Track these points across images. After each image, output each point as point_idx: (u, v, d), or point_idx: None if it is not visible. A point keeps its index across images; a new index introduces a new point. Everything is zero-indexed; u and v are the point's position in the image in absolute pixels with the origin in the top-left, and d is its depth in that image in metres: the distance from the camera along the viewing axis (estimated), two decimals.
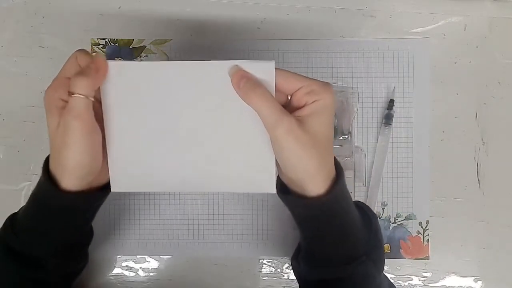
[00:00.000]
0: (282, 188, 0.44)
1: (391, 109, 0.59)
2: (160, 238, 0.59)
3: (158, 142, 0.43)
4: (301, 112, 0.39)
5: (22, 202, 0.59)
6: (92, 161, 0.41)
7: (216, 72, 0.41)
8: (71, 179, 0.41)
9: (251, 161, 0.43)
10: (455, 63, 0.60)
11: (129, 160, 0.43)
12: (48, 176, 0.42)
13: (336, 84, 0.60)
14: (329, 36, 0.60)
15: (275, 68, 0.40)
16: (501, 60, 0.60)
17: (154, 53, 0.60)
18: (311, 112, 0.39)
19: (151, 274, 0.60)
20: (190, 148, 0.43)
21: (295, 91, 0.40)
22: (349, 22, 0.60)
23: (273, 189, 0.43)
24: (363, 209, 0.48)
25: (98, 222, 0.59)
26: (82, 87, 0.38)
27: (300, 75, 0.40)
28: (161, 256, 0.60)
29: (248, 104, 0.39)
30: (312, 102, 0.39)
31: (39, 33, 0.60)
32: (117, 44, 0.60)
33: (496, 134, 0.59)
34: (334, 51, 0.60)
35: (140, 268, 0.60)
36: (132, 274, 0.60)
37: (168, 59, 0.60)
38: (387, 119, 0.59)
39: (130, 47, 0.60)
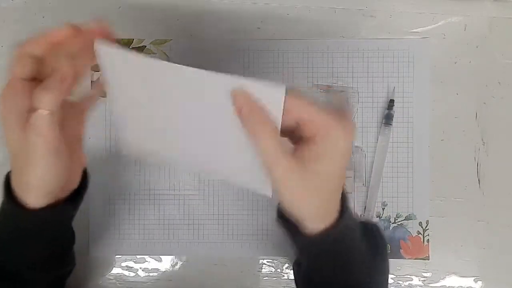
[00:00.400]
0: (281, 213, 0.40)
1: (391, 109, 0.59)
2: (160, 238, 0.59)
3: (163, 124, 0.41)
4: (309, 150, 0.34)
5: None
6: (58, 176, 0.38)
7: (219, 86, 0.36)
8: (35, 196, 0.38)
9: (251, 161, 0.40)
10: (455, 63, 0.60)
11: (136, 128, 0.43)
12: (10, 195, 0.39)
13: (336, 84, 0.60)
14: (329, 36, 0.60)
15: (288, 90, 0.34)
16: (501, 60, 0.60)
17: (154, 53, 0.60)
18: (321, 152, 0.34)
19: (151, 274, 0.60)
20: (193, 136, 0.41)
21: (307, 121, 0.34)
22: (349, 22, 0.60)
23: (269, 193, 0.40)
24: (371, 231, 0.45)
25: (97, 222, 0.59)
26: (46, 103, 0.34)
27: (316, 104, 0.34)
28: (161, 256, 0.60)
29: (248, 133, 0.35)
30: (323, 141, 0.34)
31: None
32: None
33: (496, 134, 0.59)
34: (334, 51, 0.60)
35: (140, 268, 0.60)
36: (132, 274, 0.59)
37: (168, 59, 0.60)
38: (387, 119, 0.59)
39: (130, 47, 0.60)
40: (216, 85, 0.37)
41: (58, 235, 0.44)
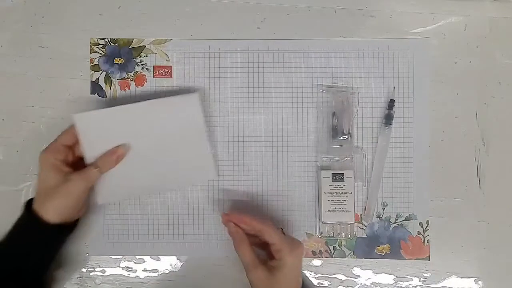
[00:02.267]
0: None
1: (391, 109, 0.59)
2: (160, 239, 0.59)
3: (127, 165, 0.55)
4: (272, 263, 0.52)
5: (22, 202, 0.60)
6: (82, 208, 0.56)
7: (158, 110, 0.55)
8: (57, 218, 0.52)
9: (193, 162, 0.57)
10: (455, 63, 0.60)
11: (109, 179, 0.55)
12: (31, 212, 0.52)
13: (336, 84, 0.60)
14: (329, 36, 0.60)
15: (262, 220, 0.52)
16: (501, 60, 0.60)
17: (154, 53, 0.60)
18: (278, 266, 0.51)
19: (151, 274, 0.60)
20: (148, 165, 0.56)
21: (273, 244, 0.51)
22: (349, 22, 0.60)
23: (214, 175, 0.59)
24: None
25: (98, 223, 0.59)
26: (105, 169, 0.54)
27: (277, 232, 0.52)
28: (160, 256, 0.59)
29: (235, 250, 0.53)
30: (281, 260, 0.51)
31: (39, 33, 0.60)
32: (117, 44, 0.60)
33: (496, 134, 0.59)
34: (334, 51, 0.60)
35: (140, 268, 0.59)
36: (132, 274, 0.59)
37: (168, 59, 0.60)
38: (387, 119, 0.59)
39: (130, 47, 0.60)
40: (155, 110, 0.55)
41: (57, 249, 0.56)
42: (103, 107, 0.60)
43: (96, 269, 0.59)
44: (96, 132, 0.54)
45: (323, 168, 0.59)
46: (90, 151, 0.54)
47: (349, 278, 0.59)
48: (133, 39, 0.60)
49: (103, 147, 0.54)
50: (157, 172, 0.57)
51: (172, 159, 0.57)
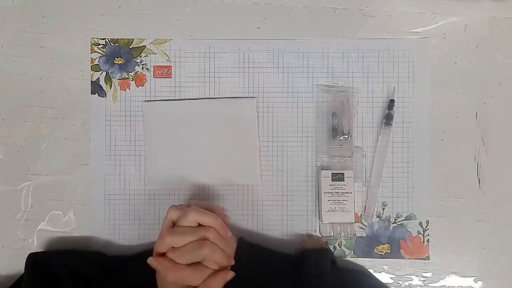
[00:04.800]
0: None
1: (391, 109, 0.59)
2: None
3: (180, 156, 0.59)
4: None
5: (22, 202, 0.60)
6: None
7: (216, 108, 0.59)
8: None
9: (242, 164, 0.59)
10: (455, 63, 0.60)
11: (160, 167, 0.59)
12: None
13: (336, 84, 0.60)
14: (329, 36, 0.60)
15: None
16: (501, 60, 0.60)
17: (154, 53, 0.60)
18: None
19: None
20: (200, 159, 0.59)
21: None
22: (349, 22, 0.60)
23: (258, 181, 0.59)
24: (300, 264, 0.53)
25: (96, 222, 0.59)
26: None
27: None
28: None
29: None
30: None
31: (39, 33, 0.60)
32: (117, 44, 0.60)
33: (496, 134, 0.59)
34: (334, 51, 0.60)
35: None
36: None
37: (168, 59, 0.60)
38: (387, 119, 0.59)
39: (130, 47, 0.60)
40: (214, 107, 0.59)
41: None
42: (103, 107, 0.60)
43: None
44: (159, 120, 0.59)
45: (323, 168, 0.59)
46: (150, 139, 0.59)
47: None
48: (133, 39, 0.60)
49: (163, 136, 0.59)
50: (208, 166, 0.59)
51: (224, 157, 0.59)
